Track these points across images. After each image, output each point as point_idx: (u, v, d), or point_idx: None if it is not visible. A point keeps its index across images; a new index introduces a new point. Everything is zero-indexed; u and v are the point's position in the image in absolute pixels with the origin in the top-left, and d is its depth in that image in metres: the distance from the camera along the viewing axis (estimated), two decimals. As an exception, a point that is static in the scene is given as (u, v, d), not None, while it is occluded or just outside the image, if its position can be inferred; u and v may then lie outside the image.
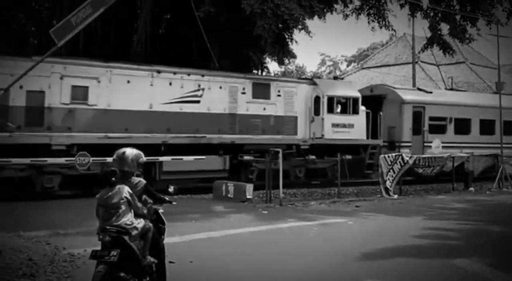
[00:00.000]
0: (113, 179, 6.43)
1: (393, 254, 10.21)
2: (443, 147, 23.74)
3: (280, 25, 22.55)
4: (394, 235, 12.18)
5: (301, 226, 13.27)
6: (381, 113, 24.63)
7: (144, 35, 24.88)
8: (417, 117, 25.75)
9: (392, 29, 29.79)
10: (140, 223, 6.47)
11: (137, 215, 6.52)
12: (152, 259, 6.62)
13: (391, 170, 20.50)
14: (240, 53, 26.00)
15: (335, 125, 22.63)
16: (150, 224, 6.66)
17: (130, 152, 6.76)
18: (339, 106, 23.14)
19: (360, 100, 23.36)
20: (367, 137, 23.73)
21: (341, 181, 20.15)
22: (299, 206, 17.19)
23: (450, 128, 26.73)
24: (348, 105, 23.10)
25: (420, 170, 22.30)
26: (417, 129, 25.61)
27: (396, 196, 20.09)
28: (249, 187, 17.81)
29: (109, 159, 10.36)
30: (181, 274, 8.05)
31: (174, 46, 26.77)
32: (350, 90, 24.08)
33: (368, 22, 29.22)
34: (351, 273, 8.83)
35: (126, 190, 6.42)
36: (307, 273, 8.77)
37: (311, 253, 10.16)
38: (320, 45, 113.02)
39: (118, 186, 6.42)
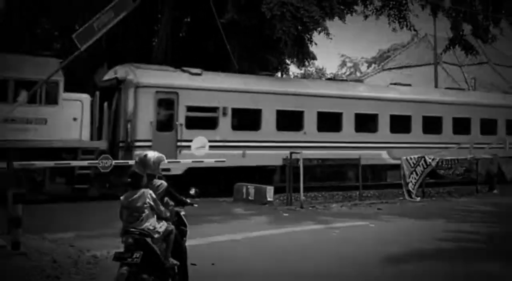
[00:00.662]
0: (140, 182, 6.48)
1: (417, 257, 10.14)
2: (212, 147, 17.95)
3: (299, 27, 22.54)
4: (417, 238, 12.08)
5: (323, 229, 13.24)
6: (106, 103, 18.68)
7: (165, 39, 25.11)
8: (166, 107, 19.41)
9: (413, 29, 29.61)
10: (162, 226, 6.52)
11: (159, 218, 6.57)
12: (174, 261, 6.67)
13: (413, 172, 20.34)
14: (260, 56, 26.06)
15: (7, 121, 15.63)
16: (172, 227, 6.71)
17: (152, 155, 6.83)
18: (24, 93, 15.68)
19: (61, 84, 16.88)
20: (92, 137, 18.14)
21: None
22: (320, 208, 17.15)
23: (225, 122, 20.20)
24: (39, 92, 16.32)
25: (442, 171, 22.04)
26: (165, 124, 19.28)
27: (418, 198, 19.93)
28: (270, 190, 17.80)
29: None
30: (203, 276, 8.07)
31: (194, 48, 26.93)
32: (41, 70, 15.67)
33: (389, 23, 29.09)
34: (374, 277, 8.79)
35: (150, 195, 6.46)
36: (329, 276, 8.73)
37: (333, 256, 10.13)
38: (340, 46, 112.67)
39: (142, 190, 6.46)
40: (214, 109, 20.04)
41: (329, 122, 22.56)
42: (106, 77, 19.91)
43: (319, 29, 24.45)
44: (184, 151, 18.85)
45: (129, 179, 6.57)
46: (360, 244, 11.43)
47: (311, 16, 21.23)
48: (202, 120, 19.94)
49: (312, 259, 9.81)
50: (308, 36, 26.63)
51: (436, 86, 36.93)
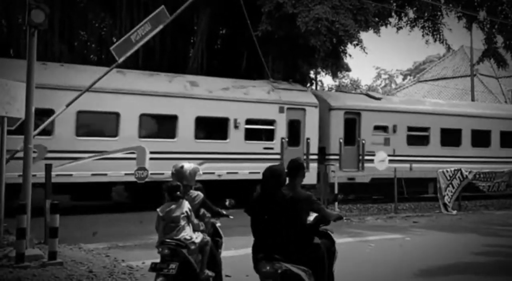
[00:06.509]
0: (177, 193, 6.53)
1: (453, 271, 9.96)
2: None
3: (334, 41, 22.43)
4: (453, 252, 11.88)
5: (358, 242, 13.09)
6: None
7: (201, 50, 25.35)
8: None
9: (446, 43, 29.15)
10: (198, 237, 6.55)
11: (195, 229, 6.60)
12: (209, 273, 6.68)
13: (450, 185, 20.03)
14: (293, 67, 26.05)
15: None
16: (208, 238, 6.73)
17: (188, 166, 6.88)
18: None
19: None
20: None
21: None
22: (355, 221, 16.98)
23: None
24: None
25: (485, 188, 21.48)
26: None
27: (455, 212, 19.60)
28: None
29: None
30: (238, 288, 8.06)
31: (229, 60, 27.09)
32: None
33: (423, 35, 28.72)
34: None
35: (186, 205, 6.51)
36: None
37: (368, 270, 10.01)
38: (375, 59, 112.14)
39: (179, 201, 6.51)
40: None
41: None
42: None
43: (355, 43, 24.25)
44: None
45: (166, 191, 6.63)
46: (396, 258, 11.28)
47: (346, 30, 21.08)
48: None
49: (347, 272, 9.69)
50: (342, 48, 26.54)
51: (472, 99, 36.43)
